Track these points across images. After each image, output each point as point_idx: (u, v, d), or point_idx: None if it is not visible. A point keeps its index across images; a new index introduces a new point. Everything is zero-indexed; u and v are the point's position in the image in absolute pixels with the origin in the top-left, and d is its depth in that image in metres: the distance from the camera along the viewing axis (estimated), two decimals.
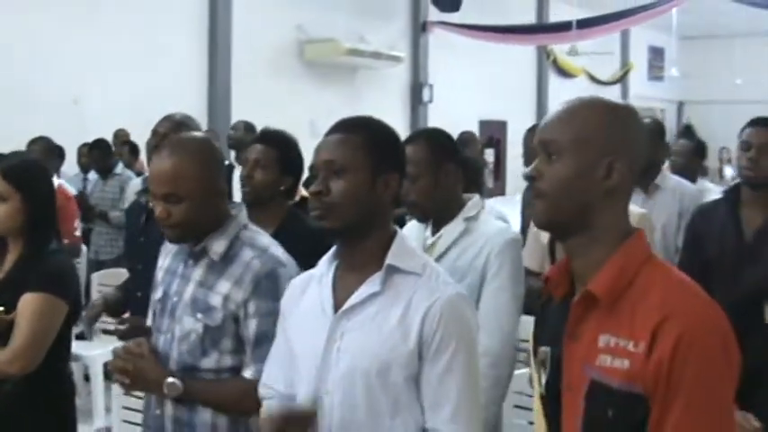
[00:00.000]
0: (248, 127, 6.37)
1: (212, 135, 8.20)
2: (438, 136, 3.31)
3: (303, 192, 4.02)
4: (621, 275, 1.75)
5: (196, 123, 4.24)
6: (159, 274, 2.90)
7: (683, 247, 4.22)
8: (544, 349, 1.91)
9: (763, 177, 3.80)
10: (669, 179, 5.12)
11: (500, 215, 4.53)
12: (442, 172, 3.18)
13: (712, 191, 6.15)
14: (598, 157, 1.77)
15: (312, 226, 2.23)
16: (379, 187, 2.20)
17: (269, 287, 2.66)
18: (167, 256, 2.90)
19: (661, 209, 4.82)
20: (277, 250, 2.77)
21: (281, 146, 3.76)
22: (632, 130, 1.83)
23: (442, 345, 2.14)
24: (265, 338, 2.61)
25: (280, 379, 2.38)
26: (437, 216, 3.26)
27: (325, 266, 2.30)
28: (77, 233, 6.94)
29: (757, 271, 3.66)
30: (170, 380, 2.64)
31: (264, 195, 3.71)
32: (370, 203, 2.19)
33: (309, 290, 2.33)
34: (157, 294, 2.86)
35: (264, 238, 2.82)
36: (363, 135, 2.22)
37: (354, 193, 2.17)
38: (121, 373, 2.68)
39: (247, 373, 2.65)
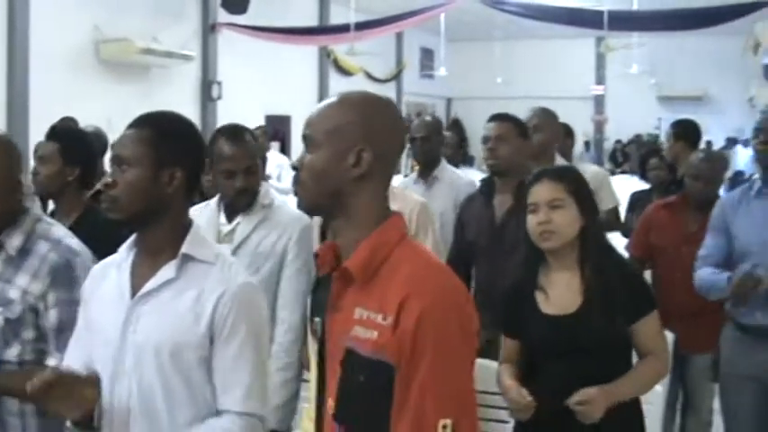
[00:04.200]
0: None
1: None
2: (252, 134, 3.37)
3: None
4: (374, 255, 1.80)
5: None
6: None
7: (454, 232, 4.45)
8: (317, 320, 1.97)
9: (501, 165, 4.07)
10: (446, 171, 5.18)
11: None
12: (258, 167, 3.30)
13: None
14: (347, 146, 1.81)
15: (107, 219, 2.27)
16: (162, 180, 2.16)
17: (66, 277, 2.61)
18: None
19: (439, 199, 4.90)
20: (71, 241, 2.72)
21: (61, 139, 3.69)
22: (380, 122, 1.86)
23: (233, 330, 2.14)
24: (67, 327, 2.54)
25: (80, 363, 2.27)
26: (238, 204, 3.33)
27: (125, 253, 2.27)
28: None
29: (506, 251, 3.82)
30: None
31: (52, 188, 3.66)
32: (154, 195, 2.15)
33: (109, 275, 2.28)
34: None
35: (59, 230, 2.76)
36: (150, 130, 2.18)
37: (135, 186, 2.14)
38: None
39: (51, 362, 2.58)
